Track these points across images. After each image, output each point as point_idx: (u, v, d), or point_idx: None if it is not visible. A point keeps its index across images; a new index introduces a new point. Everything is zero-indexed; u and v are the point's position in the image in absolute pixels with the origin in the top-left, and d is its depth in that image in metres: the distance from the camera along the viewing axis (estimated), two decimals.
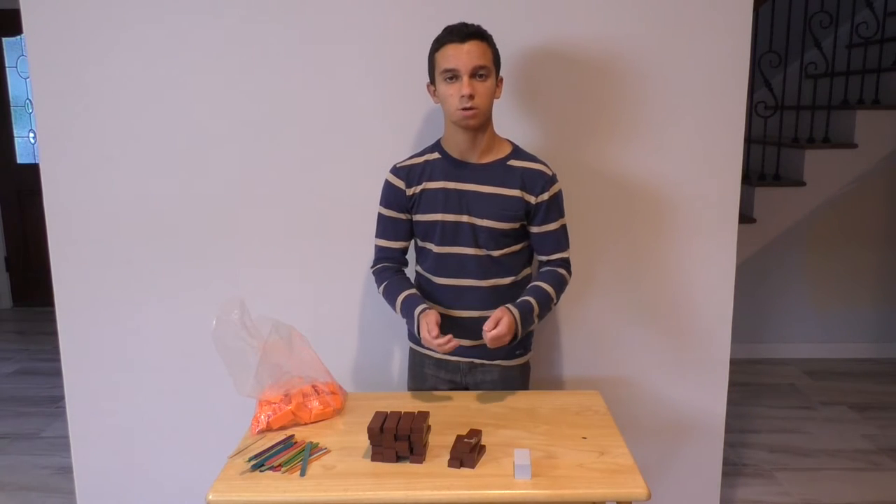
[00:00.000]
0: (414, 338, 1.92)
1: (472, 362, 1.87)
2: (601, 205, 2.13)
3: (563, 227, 1.84)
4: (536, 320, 1.77)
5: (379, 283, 1.86)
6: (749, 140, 3.72)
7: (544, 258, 1.86)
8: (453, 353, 1.84)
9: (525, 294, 1.78)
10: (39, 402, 3.59)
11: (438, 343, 1.65)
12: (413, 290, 1.81)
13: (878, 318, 4.06)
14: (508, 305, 1.72)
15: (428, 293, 1.85)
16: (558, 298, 1.83)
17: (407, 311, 1.77)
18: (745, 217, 3.80)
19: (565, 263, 1.86)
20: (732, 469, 2.84)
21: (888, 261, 3.99)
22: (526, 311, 1.73)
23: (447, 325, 1.83)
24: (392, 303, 1.82)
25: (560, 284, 1.83)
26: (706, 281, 2.17)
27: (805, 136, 3.87)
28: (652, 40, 2.03)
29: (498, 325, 1.66)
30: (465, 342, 1.83)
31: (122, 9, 2.01)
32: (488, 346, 1.68)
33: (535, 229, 1.81)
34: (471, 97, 1.65)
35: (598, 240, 2.15)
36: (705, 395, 2.24)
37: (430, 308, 1.74)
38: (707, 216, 2.14)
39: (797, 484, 2.75)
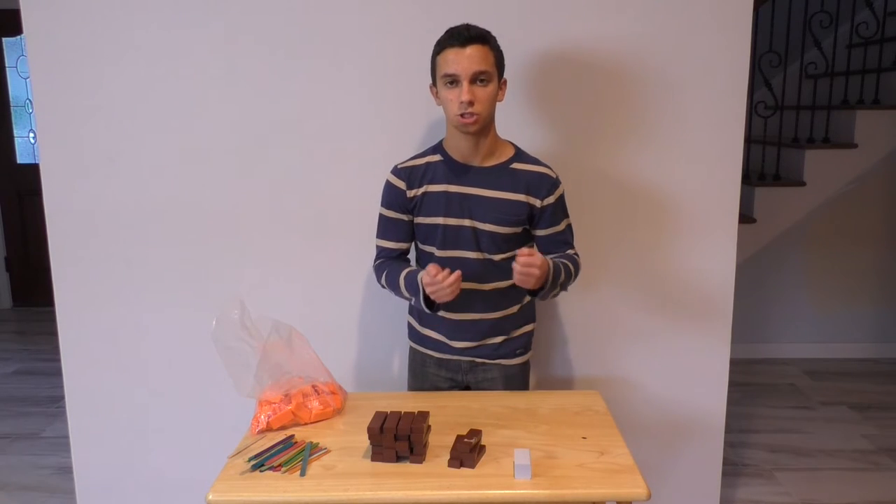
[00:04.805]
0: (415, 336, 1.93)
1: (473, 361, 1.86)
2: (601, 205, 2.13)
3: (569, 226, 1.84)
4: (559, 288, 1.73)
5: (380, 275, 1.84)
6: (749, 140, 3.72)
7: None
8: (454, 352, 1.85)
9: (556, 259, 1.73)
10: (39, 402, 3.59)
11: (442, 277, 1.59)
12: (413, 267, 1.78)
13: (878, 318, 4.06)
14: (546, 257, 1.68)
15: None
16: (573, 280, 1.77)
17: (410, 284, 1.73)
18: (745, 217, 3.80)
19: (577, 255, 1.84)
20: (732, 469, 2.84)
21: (888, 261, 3.98)
22: (557, 269, 1.70)
23: (449, 328, 1.84)
24: (395, 285, 1.78)
25: (577, 267, 1.79)
26: (706, 281, 2.17)
27: (805, 136, 3.88)
28: (652, 41, 2.03)
29: (534, 256, 1.60)
30: (466, 344, 1.83)
31: (122, 9, 2.01)
32: (516, 274, 1.61)
33: (542, 232, 1.80)
34: (470, 103, 1.63)
35: (599, 240, 2.15)
36: (705, 395, 2.24)
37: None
38: (707, 216, 2.14)
39: (797, 484, 2.74)
